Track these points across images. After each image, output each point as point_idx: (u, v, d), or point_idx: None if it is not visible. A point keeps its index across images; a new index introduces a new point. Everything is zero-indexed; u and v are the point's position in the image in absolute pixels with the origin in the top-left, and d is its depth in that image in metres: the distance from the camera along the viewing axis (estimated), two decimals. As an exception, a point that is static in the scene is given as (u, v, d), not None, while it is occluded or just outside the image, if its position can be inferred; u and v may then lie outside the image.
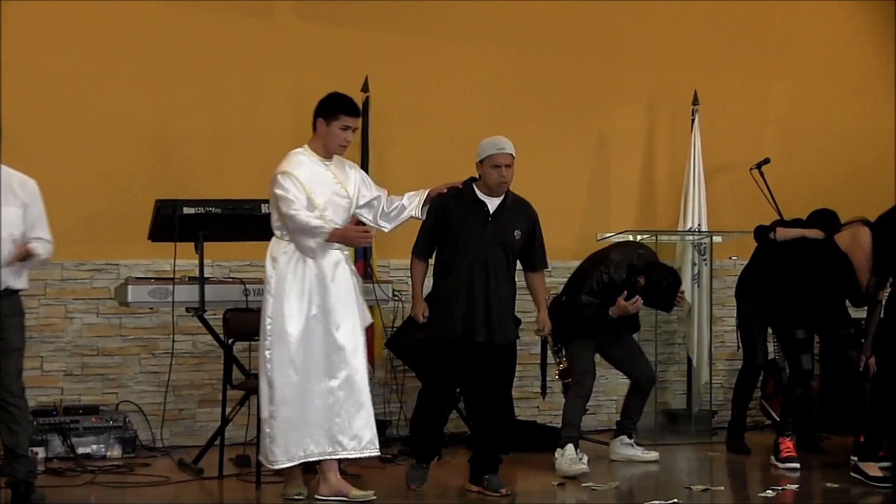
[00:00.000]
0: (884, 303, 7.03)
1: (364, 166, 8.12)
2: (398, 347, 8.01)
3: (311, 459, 6.19)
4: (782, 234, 7.59)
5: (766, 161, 8.30)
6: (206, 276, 7.04)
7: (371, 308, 7.90)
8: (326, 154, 6.30)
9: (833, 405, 8.35)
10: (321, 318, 6.10)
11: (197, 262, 6.92)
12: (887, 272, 7.23)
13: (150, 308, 7.60)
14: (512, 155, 6.52)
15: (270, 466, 6.20)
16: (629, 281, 7.29)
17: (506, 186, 6.51)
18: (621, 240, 7.95)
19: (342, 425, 6.13)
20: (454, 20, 8.69)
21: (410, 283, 6.67)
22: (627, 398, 7.67)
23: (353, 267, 6.40)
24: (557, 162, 8.93)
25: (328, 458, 6.17)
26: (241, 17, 8.21)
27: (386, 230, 6.54)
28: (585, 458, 7.13)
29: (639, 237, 8.44)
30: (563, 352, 7.56)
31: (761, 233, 7.67)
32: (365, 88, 8.17)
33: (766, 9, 9.47)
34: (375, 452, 6.27)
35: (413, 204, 6.52)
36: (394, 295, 7.61)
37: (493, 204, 6.52)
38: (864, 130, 9.55)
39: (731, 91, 9.35)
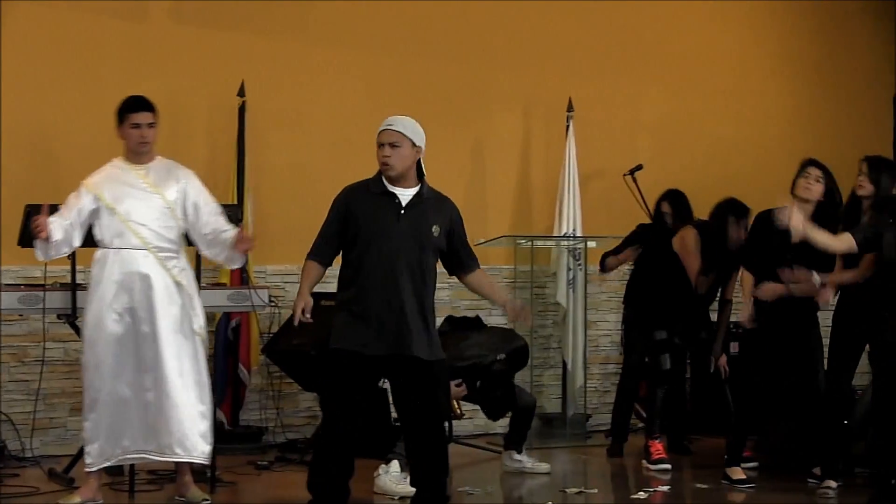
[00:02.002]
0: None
1: (240, 171, 8.08)
2: (275, 353, 7.97)
3: (127, 459, 6.25)
4: (610, 264, 8.09)
5: (639, 167, 8.44)
6: (78, 282, 6.92)
7: (247, 314, 7.91)
8: (135, 158, 6.34)
9: (702, 407, 8.53)
10: (131, 320, 6.15)
11: (69, 268, 6.81)
12: (712, 268, 7.65)
13: (20, 315, 7.43)
14: (399, 132, 5.69)
15: (86, 469, 6.20)
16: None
17: (391, 170, 5.67)
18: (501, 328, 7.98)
19: (159, 426, 6.14)
20: (329, 24, 8.66)
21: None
22: (513, 420, 7.60)
23: (186, 268, 6.34)
24: (433, 167, 8.82)
25: (148, 457, 6.22)
26: (114, 19, 8.08)
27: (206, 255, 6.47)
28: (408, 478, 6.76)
29: (515, 242, 8.54)
30: None
31: (601, 262, 8.17)
32: (241, 93, 8.11)
33: (640, 16, 9.62)
34: (201, 460, 6.24)
35: (225, 240, 6.29)
36: (270, 301, 7.55)
37: (405, 196, 5.76)
38: (734, 138, 9.77)
39: (606, 97, 9.48)
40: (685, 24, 9.87)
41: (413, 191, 5.75)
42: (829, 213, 6.91)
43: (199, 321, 6.32)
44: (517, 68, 9.22)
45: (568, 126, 9.00)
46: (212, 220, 6.33)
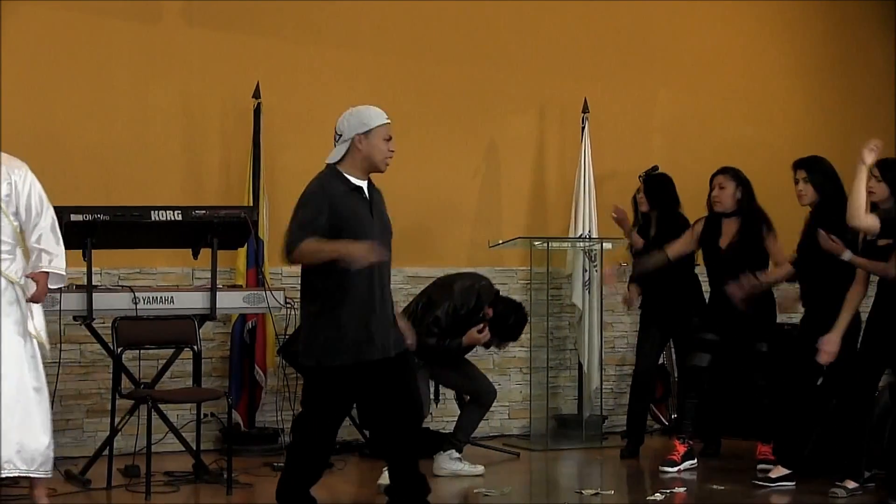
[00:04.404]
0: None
1: (255, 173, 8.07)
2: (291, 355, 7.96)
3: None
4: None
5: (655, 168, 8.42)
6: (94, 284, 6.93)
7: (263, 316, 7.90)
8: None
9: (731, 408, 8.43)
10: None
11: (85, 269, 6.81)
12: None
13: (36, 317, 7.44)
14: None
15: None
16: (476, 308, 7.31)
17: (387, 166, 5.54)
18: (465, 271, 7.96)
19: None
20: (344, 26, 8.67)
21: (316, 256, 5.31)
22: (464, 413, 7.51)
23: (22, 268, 6.05)
24: (449, 169, 8.96)
25: None
26: (128, 21, 8.08)
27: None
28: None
29: (531, 243, 8.52)
30: None
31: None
32: (256, 95, 8.11)
33: (653, 18, 9.63)
34: (40, 474, 6.04)
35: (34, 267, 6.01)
36: (286, 302, 7.56)
37: (365, 190, 5.50)
38: (747, 138, 9.75)
39: (620, 99, 9.47)
40: (698, 26, 9.86)
41: (366, 183, 5.51)
42: (829, 212, 6.97)
43: (36, 323, 6.07)
44: (532, 70, 9.22)
45: (583, 127, 8.98)
46: (36, 234, 6.04)
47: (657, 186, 8.15)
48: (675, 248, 7.69)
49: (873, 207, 6.73)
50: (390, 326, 5.45)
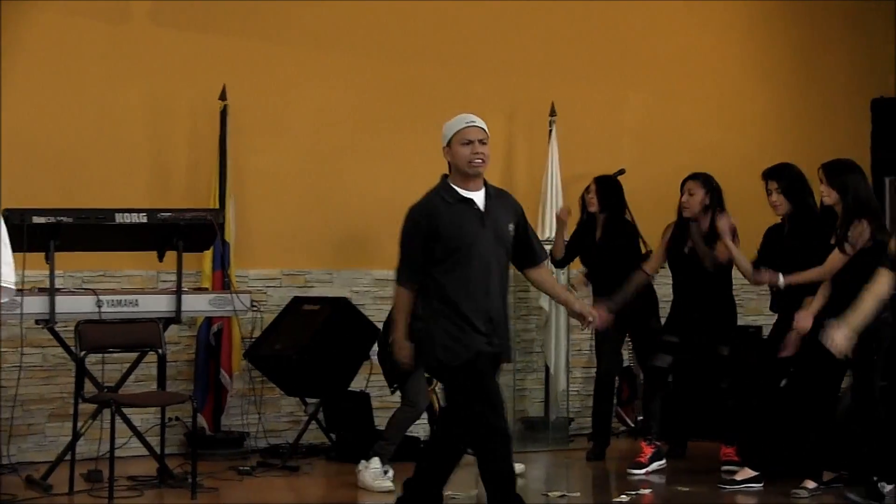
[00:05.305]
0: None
1: (222, 175, 8.04)
2: (257, 358, 7.94)
3: None
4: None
5: (622, 171, 8.44)
6: (57, 286, 6.88)
7: (229, 319, 7.87)
8: None
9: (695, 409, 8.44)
10: None
11: (48, 272, 6.76)
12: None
13: (-2, 320, 7.39)
14: (484, 129, 5.54)
15: None
16: None
17: (481, 166, 5.50)
18: None
19: None
20: (312, 27, 8.63)
21: (394, 318, 5.65)
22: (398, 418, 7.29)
23: None
24: (417, 170, 8.88)
25: None
26: (96, 21, 8.02)
27: None
28: (391, 473, 6.96)
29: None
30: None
31: None
32: (223, 96, 8.08)
33: (622, 21, 9.62)
34: None
35: None
36: (252, 305, 7.53)
37: (479, 199, 5.54)
38: (715, 141, 9.75)
39: (588, 102, 9.47)
40: (667, 29, 9.87)
41: (482, 192, 5.54)
42: (803, 222, 7.01)
43: None
44: (500, 73, 9.21)
45: (551, 130, 8.98)
46: None
47: (611, 189, 8.15)
48: (652, 264, 7.69)
49: (828, 210, 6.78)
50: (504, 333, 5.55)
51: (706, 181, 7.57)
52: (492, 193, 5.58)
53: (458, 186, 5.52)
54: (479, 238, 5.45)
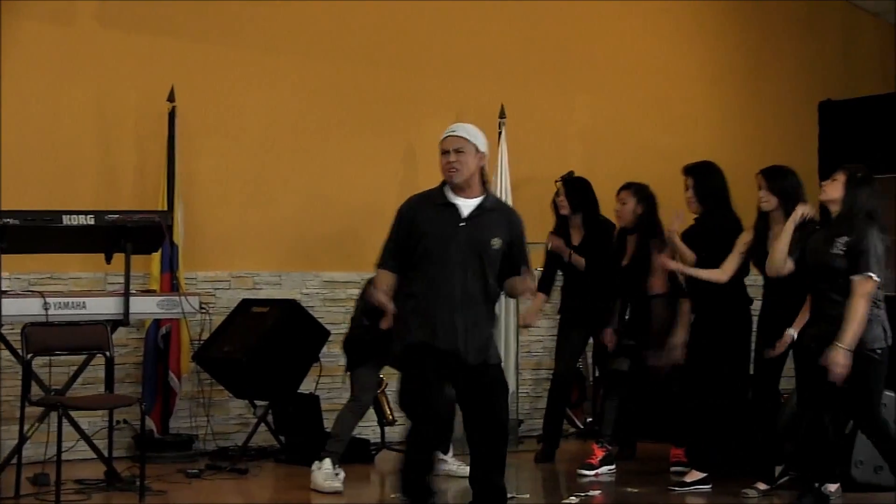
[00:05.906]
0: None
1: (170, 177, 8.00)
2: (205, 361, 7.92)
3: None
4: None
5: (571, 173, 8.48)
6: (3, 289, 6.81)
7: (177, 321, 7.84)
8: None
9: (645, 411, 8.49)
10: None
11: (-7, 275, 6.71)
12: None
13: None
14: (464, 137, 5.61)
15: None
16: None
17: (458, 177, 5.57)
18: None
19: None
20: (261, 29, 8.62)
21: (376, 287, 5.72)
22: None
23: None
24: (366, 172, 8.94)
25: None
26: (41, 22, 7.96)
27: None
28: (342, 475, 7.01)
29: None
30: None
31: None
32: (171, 98, 8.04)
33: (571, 23, 9.69)
34: None
35: None
36: (201, 308, 7.49)
37: (468, 207, 5.62)
38: (663, 144, 9.84)
39: (537, 104, 9.52)
40: (615, 31, 9.94)
41: (476, 201, 5.63)
42: (706, 227, 7.13)
43: None
44: (449, 75, 9.23)
45: (500, 133, 9.01)
46: None
47: (578, 189, 8.16)
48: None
49: (766, 216, 6.82)
50: (473, 337, 5.62)
51: (638, 190, 7.60)
52: (487, 206, 5.65)
53: (451, 192, 5.65)
54: (451, 243, 5.55)
